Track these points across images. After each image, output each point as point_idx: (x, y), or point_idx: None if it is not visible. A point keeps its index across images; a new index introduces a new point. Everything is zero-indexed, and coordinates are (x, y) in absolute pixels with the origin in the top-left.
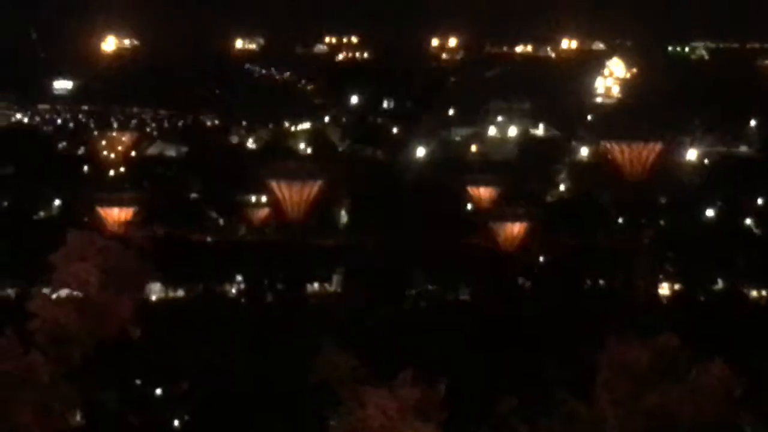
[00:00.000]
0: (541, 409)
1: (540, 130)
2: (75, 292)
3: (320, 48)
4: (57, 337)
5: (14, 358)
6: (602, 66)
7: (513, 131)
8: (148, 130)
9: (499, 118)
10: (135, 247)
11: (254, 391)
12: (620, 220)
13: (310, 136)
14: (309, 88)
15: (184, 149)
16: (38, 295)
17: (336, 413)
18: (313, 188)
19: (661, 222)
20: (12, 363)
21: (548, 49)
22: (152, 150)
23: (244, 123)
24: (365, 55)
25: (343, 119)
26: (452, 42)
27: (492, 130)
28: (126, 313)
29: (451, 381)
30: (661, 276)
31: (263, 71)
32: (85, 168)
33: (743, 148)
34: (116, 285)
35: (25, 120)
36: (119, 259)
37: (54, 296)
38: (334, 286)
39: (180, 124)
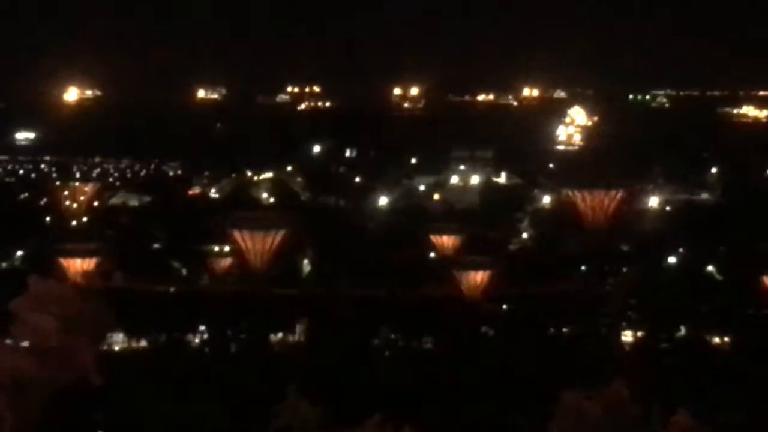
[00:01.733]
0: None
1: (502, 178)
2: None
3: (282, 97)
4: (16, 384)
5: None
6: (564, 114)
7: (475, 179)
8: (110, 180)
9: (462, 167)
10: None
11: None
12: (583, 268)
13: (273, 186)
14: (271, 137)
15: (147, 199)
16: None
17: None
18: (276, 237)
19: (624, 269)
20: None
21: (510, 97)
22: (115, 200)
23: (206, 173)
24: (327, 104)
25: (306, 168)
26: (414, 91)
27: (454, 179)
28: (87, 360)
29: (414, 429)
30: (624, 323)
31: (225, 121)
32: (48, 218)
33: (704, 195)
34: (76, 333)
35: None
36: (79, 308)
37: (11, 342)
38: (297, 335)
39: (142, 174)
